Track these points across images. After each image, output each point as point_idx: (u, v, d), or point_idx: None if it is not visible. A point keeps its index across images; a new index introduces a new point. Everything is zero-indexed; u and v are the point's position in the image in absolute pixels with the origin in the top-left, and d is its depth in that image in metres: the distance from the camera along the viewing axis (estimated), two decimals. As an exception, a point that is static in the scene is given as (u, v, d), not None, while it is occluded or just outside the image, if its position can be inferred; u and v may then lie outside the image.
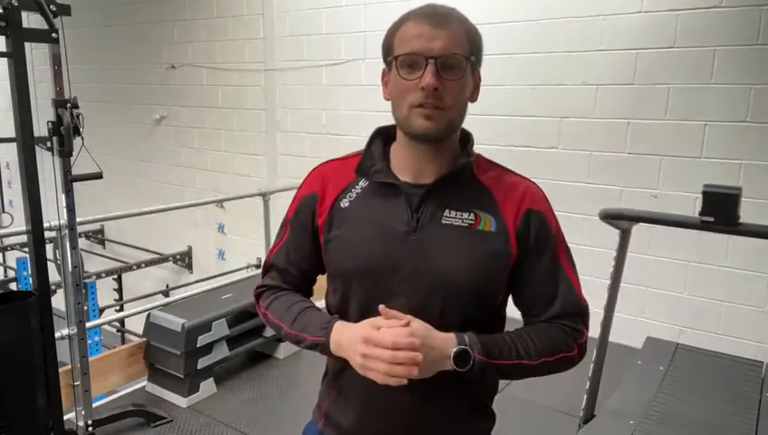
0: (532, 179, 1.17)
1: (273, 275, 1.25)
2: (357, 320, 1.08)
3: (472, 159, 1.12)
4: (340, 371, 1.17)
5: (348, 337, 1.03)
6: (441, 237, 1.08)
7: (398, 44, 1.06)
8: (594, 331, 2.37)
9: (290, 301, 1.19)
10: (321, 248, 1.16)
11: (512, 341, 1.08)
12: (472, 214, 1.09)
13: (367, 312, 1.08)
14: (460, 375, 1.01)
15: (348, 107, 4.86)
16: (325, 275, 1.22)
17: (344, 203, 1.14)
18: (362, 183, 1.14)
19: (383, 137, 1.17)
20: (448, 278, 1.06)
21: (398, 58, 1.04)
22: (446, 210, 1.09)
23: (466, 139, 1.16)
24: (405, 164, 1.12)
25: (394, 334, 0.97)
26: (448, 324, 1.06)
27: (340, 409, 1.20)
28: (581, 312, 1.15)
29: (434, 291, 1.07)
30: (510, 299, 1.18)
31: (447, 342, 1.02)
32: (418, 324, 1.01)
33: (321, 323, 1.09)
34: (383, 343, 0.97)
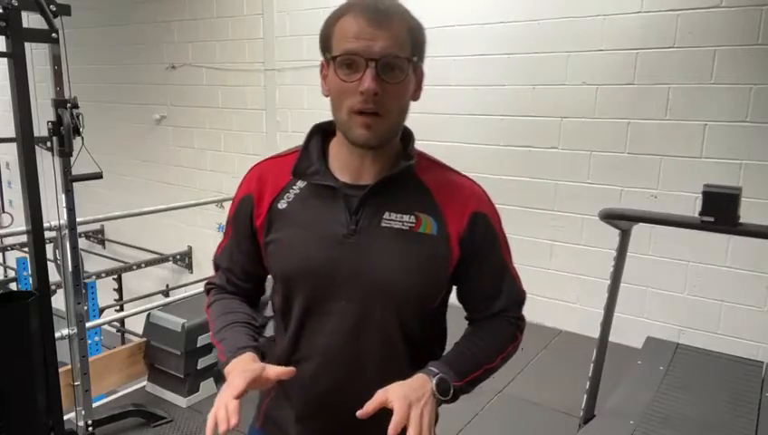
0: (472, 178, 1.17)
1: (219, 274, 1.24)
2: (299, 322, 1.10)
3: (413, 163, 1.08)
4: None
5: (233, 367, 1.01)
6: (380, 241, 1.05)
7: (336, 41, 1.00)
8: (594, 331, 2.37)
9: (226, 307, 1.18)
10: (262, 250, 1.14)
11: (471, 352, 1.11)
12: (413, 216, 1.07)
13: (308, 314, 1.09)
14: (441, 403, 1.02)
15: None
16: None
17: (282, 205, 1.11)
18: (300, 183, 1.11)
19: (321, 134, 1.14)
20: (387, 282, 1.05)
21: (336, 58, 0.99)
22: (386, 213, 1.06)
23: (408, 137, 1.13)
24: (344, 164, 1.09)
25: (224, 401, 0.93)
26: (388, 328, 1.07)
27: (280, 407, 1.20)
28: (522, 301, 1.21)
29: (373, 294, 1.05)
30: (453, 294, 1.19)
31: (424, 381, 1.00)
32: (392, 388, 0.97)
33: (234, 348, 1.06)
34: (218, 402, 0.94)
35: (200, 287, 4.35)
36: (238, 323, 1.13)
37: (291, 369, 1.00)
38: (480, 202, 1.12)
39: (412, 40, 1.02)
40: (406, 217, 1.06)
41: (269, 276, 1.22)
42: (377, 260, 1.05)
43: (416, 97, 1.08)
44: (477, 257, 1.11)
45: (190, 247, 6.43)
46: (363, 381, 1.03)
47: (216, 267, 1.25)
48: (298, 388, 1.13)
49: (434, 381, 1.00)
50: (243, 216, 1.15)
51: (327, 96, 1.05)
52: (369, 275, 1.05)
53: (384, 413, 1.03)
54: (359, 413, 0.94)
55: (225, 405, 0.91)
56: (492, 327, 1.17)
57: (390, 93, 0.99)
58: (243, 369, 0.98)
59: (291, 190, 1.11)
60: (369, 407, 0.94)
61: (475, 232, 1.09)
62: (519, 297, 1.20)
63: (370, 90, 0.96)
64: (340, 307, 1.06)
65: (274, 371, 0.99)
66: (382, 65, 0.97)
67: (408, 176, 1.08)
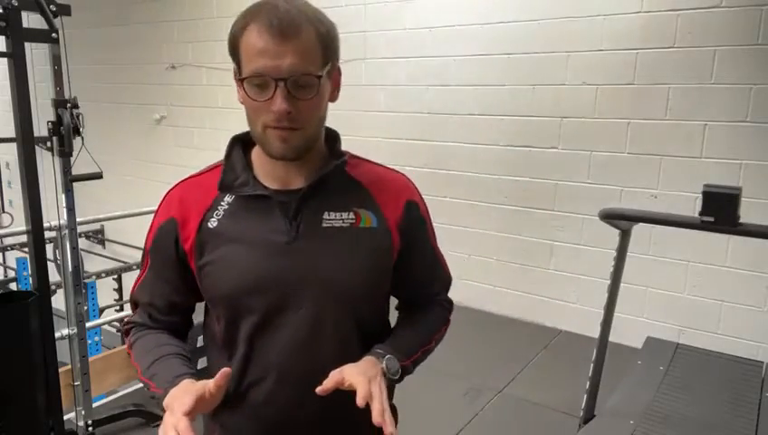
0: (414, 172, 1.20)
1: (140, 311, 1.16)
2: (248, 343, 1.05)
3: (345, 159, 1.08)
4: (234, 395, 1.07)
5: (173, 397, 0.94)
6: (324, 242, 1.04)
7: (243, 57, 0.96)
8: (594, 331, 2.37)
9: (152, 342, 1.10)
10: (194, 275, 1.08)
11: (411, 335, 1.15)
12: (351, 213, 1.06)
13: (258, 333, 1.05)
14: (391, 382, 1.04)
15: (347, 107, 4.86)
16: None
17: (212, 223, 1.06)
18: (228, 198, 1.07)
19: (241, 144, 1.10)
20: (339, 281, 1.04)
21: (244, 81, 0.96)
22: (325, 213, 1.05)
23: (333, 138, 1.11)
24: (270, 172, 1.06)
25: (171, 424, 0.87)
26: (344, 328, 1.07)
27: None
28: (449, 284, 1.27)
29: (326, 297, 1.04)
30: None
31: (374, 362, 1.02)
32: (347, 369, 0.97)
33: (170, 377, 1.00)
34: (165, 426, 0.88)
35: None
36: (169, 355, 1.07)
37: (225, 370, 0.94)
38: (411, 192, 1.14)
39: (323, 47, 0.97)
40: (345, 215, 1.06)
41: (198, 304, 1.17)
42: (325, 262, 1.03)
43: (333, 98, 1.05)
44: (413, 245, 1.13)
45: (190, 247, 6.43)
46: (314, 397, 0.98)
47: (135, 305, 1.18)
48: (251, 416, 1.08)
49: (384, 362, 1.02)
50: (165, 243, 1.09)
51: (242, 104, 1.01)
52: (319, 279, 1.03)
53: (344, 426, 1.07)
54: (318, 389, 0.94)
55: (173, 426, 0.85)
56: (427, 312, 1.22)
57: (304, 108, 0.96)
58: (185, 391, 0.93)
59: (219, 207, 1.07)
60: (328, 384, 0.95)
61: (410, 220, 1.11)
62: (448, 281, 1.26)
63: (282, 111, 0.94)
64: (292, 318, 1.03)
65: (214, 382, 0.93)
66: (292, 83, 0.94)
67: (340, 174, 1.08)
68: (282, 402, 1.07)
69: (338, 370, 0.97)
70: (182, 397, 0.91)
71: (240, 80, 0.97)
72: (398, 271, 1.13)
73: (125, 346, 1.17)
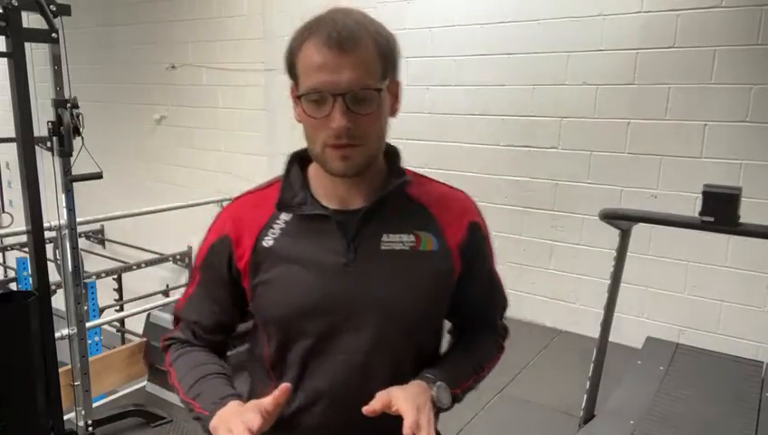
0: (454, 186, 1.14)
1: (182, 327, 1.14)
2: (300, 367, 1.02)
3: (407, 179, 1.03)
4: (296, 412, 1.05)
5: (222, 419, 0.92)
6: (383, 265, 1.00)
7: (301, 73, 0.95)
8: (594, 331, 2.38)
9: (195, 361, 1.08)
10: (247, 295, 1.05)
11: (465, 362, 1.11)
12: (411, 235, 1.02)
13: (311, 356, 1.02)
14: (440, 410, 1.00)
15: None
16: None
17: (267, 242, 1.02)
18: (284, 216, 1.03)
19: (300, 162, 1.07)
20: (396, 306, 1.00)
21: (301, 97, 0.94)
22: (384, 235, 1.01)
23: (393, 154, 1.07)
24: (328, 191, 1.03)
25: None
26: (400, 353, 1.03)
27: None
28: (506, 308, 1.22)
29: (384, 321, 1.00)
30: None
31: (424, 387, 0.99)
32: (395, 392, 0.94)
33: (214, 399, 0.97)
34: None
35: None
36: (212, 375, 1.04)
37: (286, 385, 0.92)
38: (474, 213, 1.10)
39: (382, 59, 0.95)
40: (405, 237, 1.02)
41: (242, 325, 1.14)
42: (383, 285, 1.00)
43: (393, 113, 1.02)
44: (473, 268, 1.08)
45: (190, 247, 6.43)
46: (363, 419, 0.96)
47: (178, 320, 1.15)
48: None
49: (434, 390, 0.99)
50: (218, 261, 1.06)
51: (299, 122, 0.99)
52: (377, 302, 1.00)
53: None
54: (365, 409, 0.91)
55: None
56: (482, 337, 1.17)
57: (364, 124, 0.93)
58: (237, 412, 0.90)
59: (275, 225, 1.03)
60: (375, 406, 0.92)
61: (472, 242, 1.07)
62: (505, 306, 1.22)
63: (341, 127, 0.91)
64: (348, 341, 1.00)
65: (272, 399, 0.90)
66: (351, 98, 0.91)
67: (400, 194, 1.04)
68: (334, 427, 1.04)
69: (386, 391, 0.94)
70: (242, 415, 0.88)
71: (297, 97, 0.96)
72: (455, 295, 1.09)
73: (164, 363, 1.13)
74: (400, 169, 1.05)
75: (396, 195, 1.03)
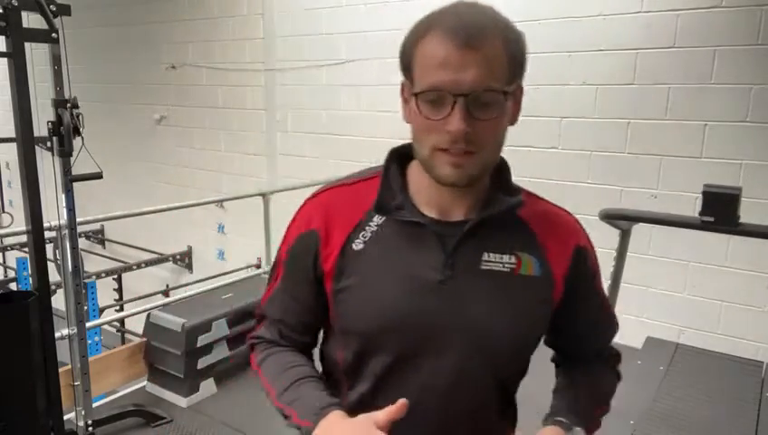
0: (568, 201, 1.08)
1: (267, 325, 1.05)
2: (376, 381, 0.94)
3: (521, 199, 0.94)
4: None
5: (326, 430, 0.85)
6: (481, 287, 0.91)
7: (418, 68, 0.84)
8: (594, 331, 2.38)
9: (286, 362, 0.99)
10: (329, 299, 0.96)
11: (592, 401, 1.02)
12: (513, 256, 0.92)
13: (389, 372, 0.93)
14: None
15: (348, 107, 4.86)
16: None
17: (357, 245, 0.93)
18: (377, 219, 0.94)
19: (398, 161, 0.97)
20: (488, 333, 0.91)
21: (418, 96, 0.84)
22: (485, 253, 0.92)
23: (501, 166, 0.97)
24: (429, 198, 0.93)
25: None
26: (484, 381, 0.94)
27: None
28: (616, 331, 1.11)
29: (474, 350, 0.91)
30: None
31: (563, 431, 0.91)
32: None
33: (314, 407, 0.89)
34: None
35: (200, 287, 4.36)
36: (307, 379, 0.96)
37: (402, 401, 0.83)
38: (581, 236, 1.00)
39: (510, 59, 0.84)
40: (506, 258, 0.92)
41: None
42: (478, 308, 0.91)
43: (514, 121, 0.92)
44: (579, 296, 0.98)
45: (190, 247, 6.43)
46: None
47: (262, 318, 1.06)
48: None
49: None
50: (304, 256, 0.96)
51: (408, 123, 0.89)
52: (468, 326, 0.90)
53: None
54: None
55: None
56: (600, 370, 1.08)
57: (483, 130, 0.83)
58: (352, 429, 0.82)
59: (367, 228, 0.93)
60: None
61: (578, 269, 0.97)
62: (615, 329, 1.10)
63: (460, 131, 0.81)
64: (430, 363, 0.91)
65: (385, 415, 0.82)
66: (473, 100, 0.81)
67: (508, 212, 0.94)
68: None
69: None
70: (355, 431, 0.81)
71: (414, 94, 0.85)
72: (557, 322, 0.99)
73: (252, 365, 1.05)
74: (513, 186, 0.96)
75: (503, 212, 0.93)
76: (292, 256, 0.99)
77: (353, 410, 0.88)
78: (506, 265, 0.92)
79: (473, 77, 0.80)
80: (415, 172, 0.94)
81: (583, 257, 0.98)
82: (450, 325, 0.90)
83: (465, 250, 0.91)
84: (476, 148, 0.84)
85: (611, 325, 1.09)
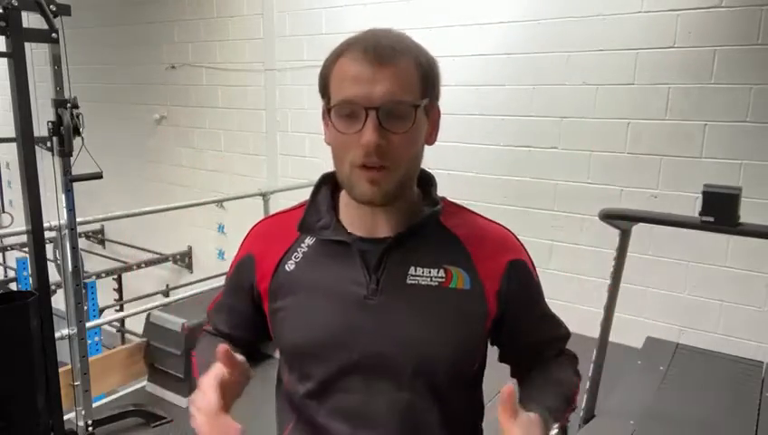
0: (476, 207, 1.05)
1: (212, 328, 1.13)
2: (312, 402, 0.96)
3: (440, 208, 0.95)
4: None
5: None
6: (407, 301, 0.92)
7: (333, 86, 0.88)
8: (594, 331, 2.38)
9: (214, 344, 0.99)
10: (267, 319, 1.00)
11: (556, 393, 1.00)
12: (441, 270, 0.93)
13: (327, 392, 0.94)
14: None
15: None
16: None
17: (289, 266, 0.97)
18: (308, 241, 0.98)
19: (330, 184, 1.00)
20: (419, 348, 0.91)
21: (331, 109, 0.87)
22: (411, 268, 0.93)
23: (427, 181, 0.99)
24: (355, 217, 0.96)
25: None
26: (420, 401, 0.93)
27: None
28: (568, 337, 1.12)
29: (403, 364, 0.91)
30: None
31: (546, 427, 0.88)
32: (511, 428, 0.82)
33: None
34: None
35: (200, 287, 4.36)
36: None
37: (223, 346, 0.85)
38: (515, 249, 1.00)
39: (422, 77, 0.88)
40: (434, 272, 0.93)
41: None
42: (405, 324, 0.92)
43: (430, 141, 0.95)
44: (517, 311, 0.98)
45: (190, 247, 6.43)
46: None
47: (209, 322, 1.14)
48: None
49: (554, 432, 0.89)
50: (242, 279, 1.03)
51: (328, 144, 0.92)
52: (395, 341, 0.91)
53: None
54: (507, 387, 0.82)
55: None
56: (559, 369, 1.06)
57: (397, 144, 0.85)
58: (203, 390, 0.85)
59: (299, 249, 0.98)
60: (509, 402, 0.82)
61: (512, 283, 0.96)
62: (566, 336, 1.11)
63: (371, 143, 0.83)
64: (362, 382, 0.92)
65: (223, 368, 0.86)
66: (384, 113, 0.84)
67: (433, 224, 0.96)
68: None
69: (510, 424, 0.82)
70: (204, 397, 0.83)
71: (327, 110, 0.88)
72: (502, 339, 1.02)
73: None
74: (435, 198, 0.98)
75: (428, 224, 0.95)
76: (234, 277, 1.06)
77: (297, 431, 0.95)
78: (434, 279, 0.93)
79: (384, 90, 0.84)
80: (344, 194, 0.97)
81: (516, 271, 0.98)
82: (378, 341, 0.92)
83: (390, 265, 0.93)
84: (391, 162, 0.86)
85: (559, 333, 1.10)
